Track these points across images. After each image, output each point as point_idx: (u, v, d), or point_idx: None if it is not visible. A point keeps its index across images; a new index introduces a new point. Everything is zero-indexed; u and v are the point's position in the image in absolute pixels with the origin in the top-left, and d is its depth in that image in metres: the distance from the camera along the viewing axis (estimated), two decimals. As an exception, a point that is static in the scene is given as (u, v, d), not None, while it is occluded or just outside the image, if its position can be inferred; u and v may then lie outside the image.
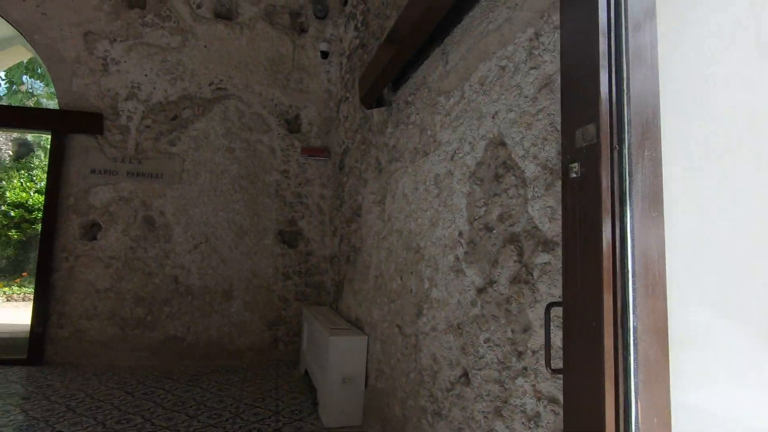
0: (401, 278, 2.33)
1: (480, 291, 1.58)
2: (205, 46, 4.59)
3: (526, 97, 1.36)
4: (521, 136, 1.37)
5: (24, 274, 9.63)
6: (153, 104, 4.44)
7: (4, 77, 10.23)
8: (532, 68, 1.34)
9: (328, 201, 4.70)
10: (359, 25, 3.89)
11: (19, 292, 8.48)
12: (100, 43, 4.40)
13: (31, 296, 7.85)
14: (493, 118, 1.55)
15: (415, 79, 2.27)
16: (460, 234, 1.74)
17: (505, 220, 1.43)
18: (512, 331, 1.38)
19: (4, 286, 8.79)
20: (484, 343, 1.52)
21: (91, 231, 4.28)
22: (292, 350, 4.45)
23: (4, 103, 10.71)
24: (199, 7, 4.62)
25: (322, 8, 4.69)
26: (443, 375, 1.80)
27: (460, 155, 1.77)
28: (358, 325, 3.17)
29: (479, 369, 1.53)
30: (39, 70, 10.32)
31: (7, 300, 8.16)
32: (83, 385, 3.46)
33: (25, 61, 8.22)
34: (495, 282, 1.47)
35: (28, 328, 4.11)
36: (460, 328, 1.71)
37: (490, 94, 1.57)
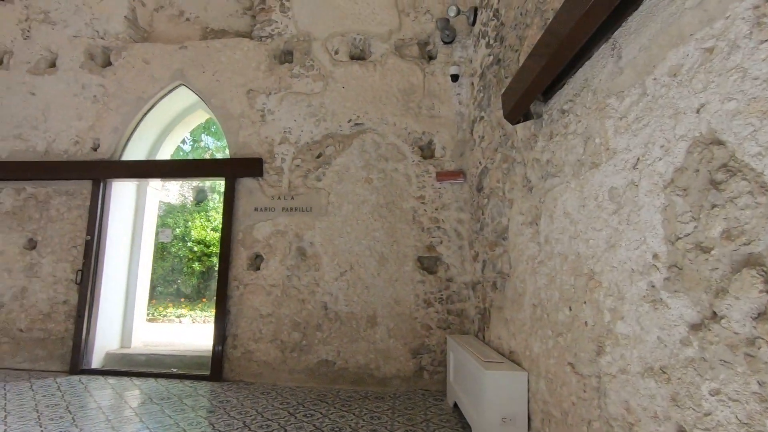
0: (570, 308, 2.04)
1: (695, 327, 1.26)
2: (343, 87, 4.95)
3: (756, 78, 1.06)
4: (752, 129, 1.07)
5: (203, 300, 11.41)
6: (301, 145, 4.91)
7: (189, 137, 12.61)
8: (762, 41, 1.04)
9: (467, 225, 4.55)
10: (491, 41, 3.77)
11: (201, 316, 10.05)
12: (259, 97, 5.07)
13: (211, 319, 9.21)
14: (697, 112, 1.26)
15: (573, 83, 2.04)
16: (655, 256, 1.44)
17: (734, 238, 1.12)
18: (760, 383, 1.04)
19: (191, 310, 10.51)
20: (711, 395, 1.19)
21: (256, 262, 4.83)
22: (438, 380, 4.32)
23: (190, 158, 13.12)
24: (336, 53, 5.03)
25: (449, 33, 4.71)
26: (645, 430, 1.47)
27: (647, 162, 1.48)
28: (512, 359, 2.91)
29: (707, 429, 1.20)
30: (213, 128, 12.46)
31: (193, 322, 9.71)
32: (254, 402, 3.82)
33: (203, 122, 10.00)
34: (722, 317, 1.15)
35: (210, 348, 4.76)
36: (664, 373, 1.39)
37: (690, 85, 1.29)
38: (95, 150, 5.28)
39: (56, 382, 4.42)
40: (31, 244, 5.22)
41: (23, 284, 5.13)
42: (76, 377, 4.66)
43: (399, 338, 4.44)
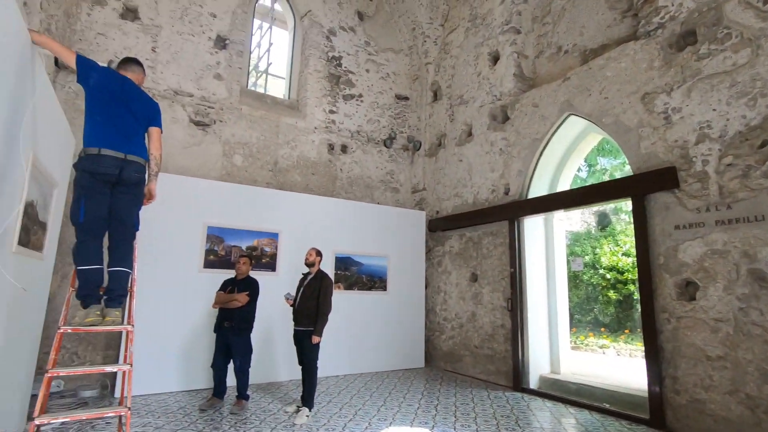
0: None
1: None
2: (788, 42, 3.52)
3: None
4: None
5: (626, 331, 10.55)
6: (730, 138, 3.81)
7: (584, 163, 12.59)
8: None
9: None
10: None
11: (626, 348, 9.30)
12: (658, 99, 4.39)
13: (637, 353, 8.37)
14: None
15: None
16: None
17: None
18: None
19: (613, 341, 9.95)
20: None
21: (687, 290, 4.00)
22: None
23: (588, 183, 13.00)
24: (766, 2, 3.69)
25: None
26: None
27: None
28: None
29: None
30: (607, 147, 11.90)
31: (618, 354, 9.10)
32: (718, 470, 3.01)
33: (595, 144, 9.77)
34: None
35: (642, 387, 4.22)
36: None
37: None
38: (506, 194, 6.12)
39: (504, 396, 5.16)
40: (474, 277, 6.54)
41: (472, 309, 6.46)
42: (518, 394, 5.27)
43: None
